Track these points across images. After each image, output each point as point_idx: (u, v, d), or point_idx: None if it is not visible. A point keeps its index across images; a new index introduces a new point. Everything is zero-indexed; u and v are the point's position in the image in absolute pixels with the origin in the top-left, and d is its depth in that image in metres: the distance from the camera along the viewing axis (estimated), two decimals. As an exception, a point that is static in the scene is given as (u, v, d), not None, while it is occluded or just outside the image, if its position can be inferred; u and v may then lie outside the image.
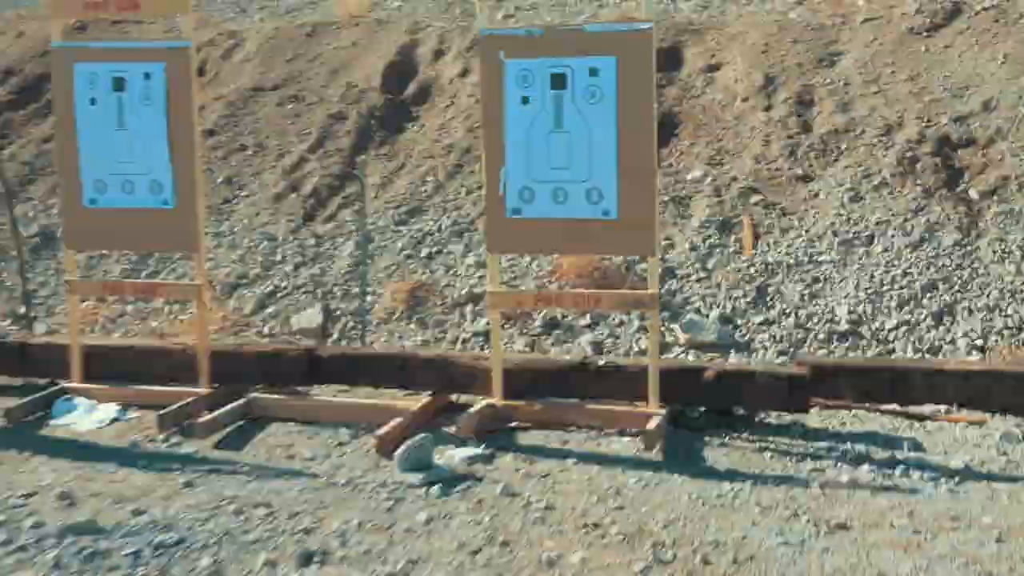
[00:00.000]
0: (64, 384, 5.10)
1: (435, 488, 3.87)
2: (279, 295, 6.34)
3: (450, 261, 6.39)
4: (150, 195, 4.95)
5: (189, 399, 4.81)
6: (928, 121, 6.58)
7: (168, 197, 4.93)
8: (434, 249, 6.50)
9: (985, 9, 7.34)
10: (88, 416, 4.90)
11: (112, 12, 4.92)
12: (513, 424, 4.58)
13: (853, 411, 4.73)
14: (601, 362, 4.60)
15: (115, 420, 4.87)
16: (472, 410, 4.49)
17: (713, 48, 7.76)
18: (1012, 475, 3.91)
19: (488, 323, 5.24)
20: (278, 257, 6.66)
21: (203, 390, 4.93)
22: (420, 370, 4.84)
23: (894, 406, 4.69)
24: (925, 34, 7.33)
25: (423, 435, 4.18)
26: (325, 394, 5.00)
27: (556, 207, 4.45)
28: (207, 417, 4.57)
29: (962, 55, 7.06)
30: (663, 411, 4.41)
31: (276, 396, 4.87)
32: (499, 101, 4.47)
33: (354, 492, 3.86)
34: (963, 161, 6.33)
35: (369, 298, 6.21)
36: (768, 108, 6.99)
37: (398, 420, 4.46)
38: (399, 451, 4.09)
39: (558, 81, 4.40)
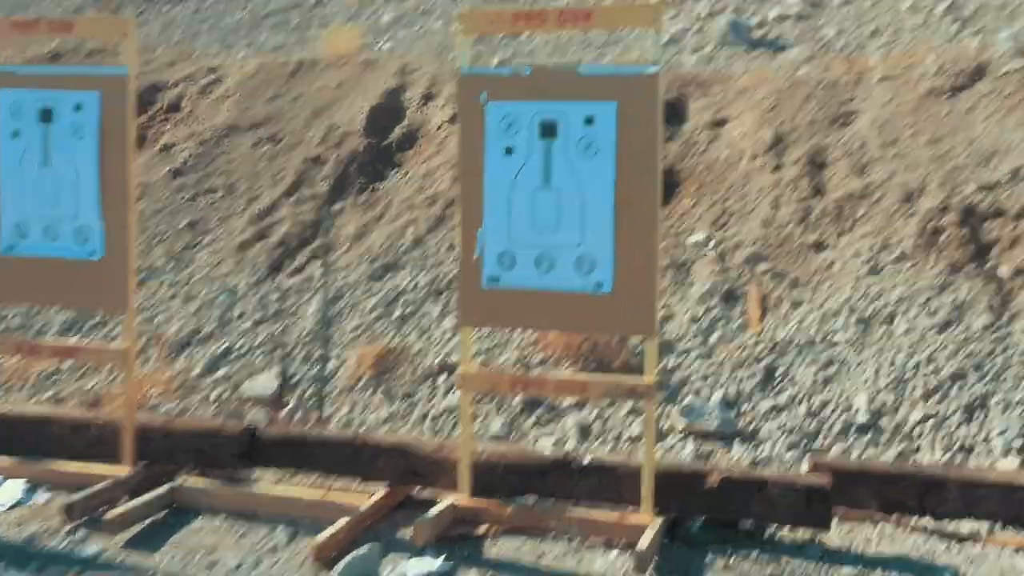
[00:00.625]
0: (-32, 457, 4.31)
1: (379, 619, 3.08)
2: (233, 356, 5.54)
3: (425, 324, 5.60)
4: (75, 244, 4.19)
5: (106, 483, 4.01)
6: (952, 189, 5.84)
7: (96, 247, 4.16)
8: (408, 310, 5.72)
9: (1010, 72, 6.66)
10: (-13, 496, 4.10)
11: (44, 34, 4.20)
12: (481, 530, 3.78)
13: (878, 525, 3.95)
14: (586, 460, 3.81)
15: (18, 503, 4.08)
16: (432, 513, 3.69)
17: (719, 102, 7.06)
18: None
19: (460, 401, 4.45)
20: (237, 312, 5.88)
21: (124, 471, 4.14)
22: (377, 458, 4.04)
23: (927, 521, 3.92)
24: (946, 96, 6.64)
25: (369, 546, 3.38)
26: (265, 480, 4.20)
27: (540, 276, 3.70)
28: (117, 511, 3.76)
29: (987, 119, 6.35)
30: (657, 522, 3.62)
31: (204, 485, 4.07)
32: (479, 151, 3.74)
33: (279, 621, 3.06)
34: (991, 234, 5.59)
35: (332, 363, 5.41)
36: (778, 168, 6.26)
37: (344, 521, 3.65)
38: (340, 565, 3.29)
39: (548, 130, 3.67)
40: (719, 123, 6.90)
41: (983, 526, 3.84)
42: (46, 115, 4.16)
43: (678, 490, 3.69)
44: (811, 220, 5.86)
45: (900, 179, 5.99)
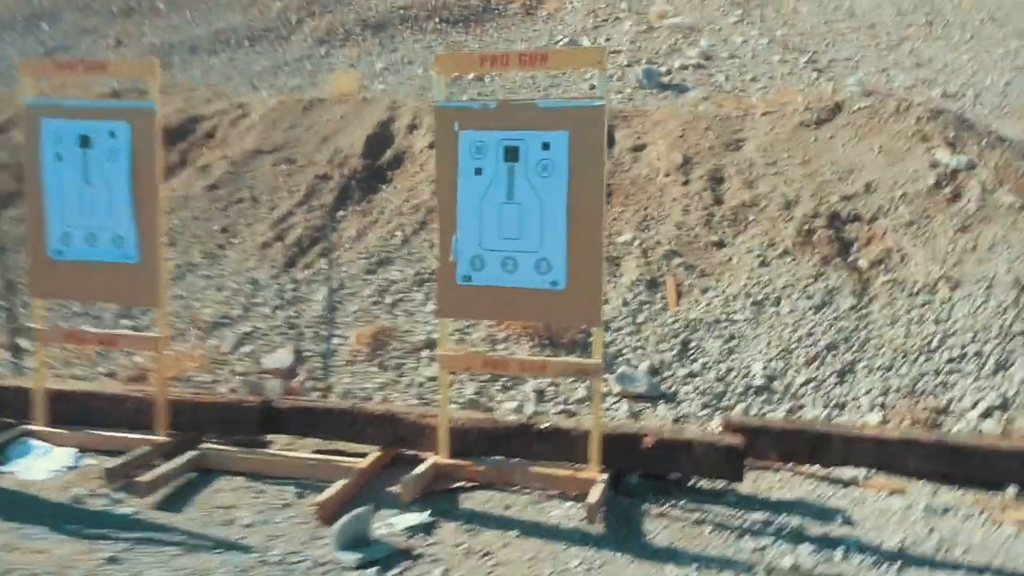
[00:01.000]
0: (26, 426, 3.72)
1: (371, 571, 2.60)
2: (256, 335, 4.98)
3: (411, 308, 5.09)
4: (113, 248, 3.60)
5: (142, 449, 3.47)
6: (821, 199, 5.46)
7: (130, 251, 3.59)
8: (398, 297, 5.20)
9: (860, 108, 6.29)
10: (42, 461, 3.52)
11: (81, 74, 3.58)
12: (457, 485, 3.31)
13: (778, 473, 3.56)
14: (544, 425, 3.36)
15: (71, 468, 3.51)
16: (416, 472, 3.21)
17: (639, 132, 6.59)
18: (947, 560, 2.75)
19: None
20: (259, 299, 5.30)
21: (160, 438, 3.59)
22: (370, 425, 3.55)
23: (817, 468, 3.54)
24: (813, 127, 6.24)
25: (361, 509, 2.89)
26: (278, 445, 3.69)
27: (506, 276, 3.21)
28: (148, 476, 3.22)
29: (844, 145, 5.97)
30: (603, 477, 3.18)
31: (227, 449, 3.54)
32: (453, 171, 3.23)
33: (284, 575, 2.56)
34: (851, 234, 5.22)
35: (336, 340, 4.88)
36: (686, 183, 5.83)
37: (342, 483, 3.16)
38: (336, 526, 2.79)
39: (511, 153, 3.17)
40: (639, 148, 6.44)
41: (861, 475, 3.48)
42: (85, 141, 3.56)
43: (620, 450, 3.25)
44: (713, 223, 5.45)
45: (781, 191, 5.60)
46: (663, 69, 8.27)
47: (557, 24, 10.12)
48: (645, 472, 3.33)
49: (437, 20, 10.42)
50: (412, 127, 7.10)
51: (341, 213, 6.14)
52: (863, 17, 9.63)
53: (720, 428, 3.63)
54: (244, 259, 5.72)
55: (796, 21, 9.70)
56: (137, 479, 3.19)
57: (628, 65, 8.49)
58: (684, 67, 8.36)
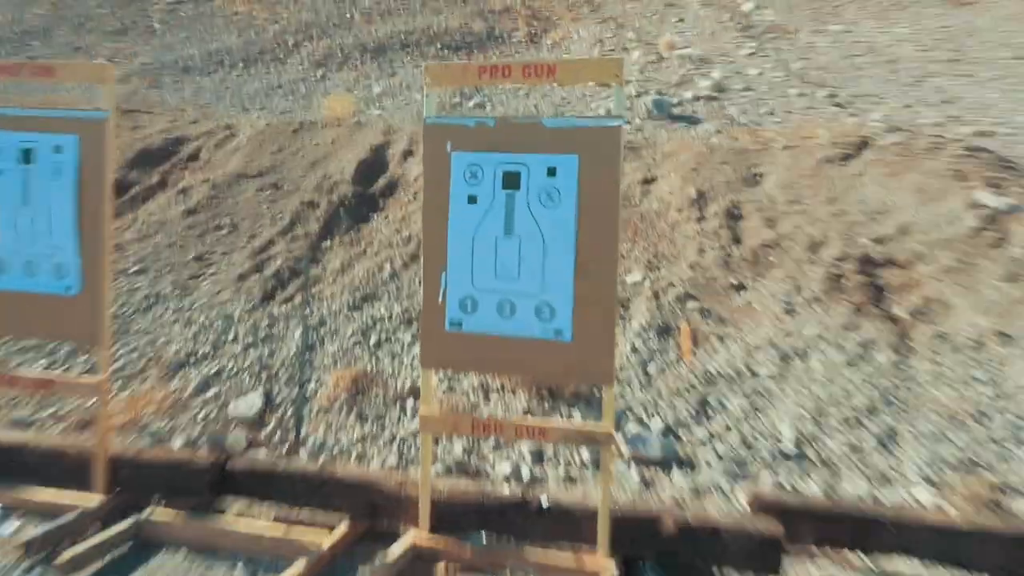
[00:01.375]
0: (-58, 483, 3.24)
1: None
2: (224, 376, 4.51)
3: (396, 349, 4.63)
4: (53, 279, 3.16)
5: (71, 515, 2.98)
6: (849, 240, 5.05)
7: (73, 282, 3.15)
8: (383, 336, 4.75)
9: (888, 146, 5.91)
10: (-44, 526, 3.04)
11: (26, 77, 3.18)
12: (439, 571, 2.82)
13: (818, 561, 3.06)
14: (545, 503, 2.88)
15: (-12, 534, 3.02)
16: (391, 556, 2.73)
17: (649, 163, 6.21)
18: None
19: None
20: (230, 336, 4.85)
21: (96, 500, 3.11)
22: (341, 492, 3.07)
23: (863, 557, 3.05)
24: (838, 162, 5.86)
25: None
26: (231, 513, 3.19)
27: (502, 322, 2.76)
28: (75, 551, 2.73)
29: (873, 183, 5.58)
30: (613, 565, 2.69)
31: (169, 518, 3.05)
32: (443, 198, 2.80)
33: None
34: (886, 280, 4.79)
35: (312, 384, 4.41)
36: (701, 219, 5.42)
37: (303, 562, 2.67)
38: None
39: (511, 180, 2.75)
40: (649, 181, 6.06)
41: (917, 565, 2.99)
42: (26, 156, 3.14)
43: (634, 533, 2.77)
44: (732, 264, 5.01)
45: (806, 231, 5.17)
46: (674, 100, 7.93)
47: (563, 52, 9.84)
48: (662, 560, 2.84)
49: (439, 46, 10.14)
50: (408, 153, 6.75)
51: (326, 243, 5.73)
52: (883, 52, 9.33)
53: (748, 504, 3.14)
54: (217, 291, 5.28)
55: (813, 55, 9.41)
56: (60, 555, 2.70)
57: (638, 96, 8.16)
58: (696, 98, 8.02)
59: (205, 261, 5.63)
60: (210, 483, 3.15)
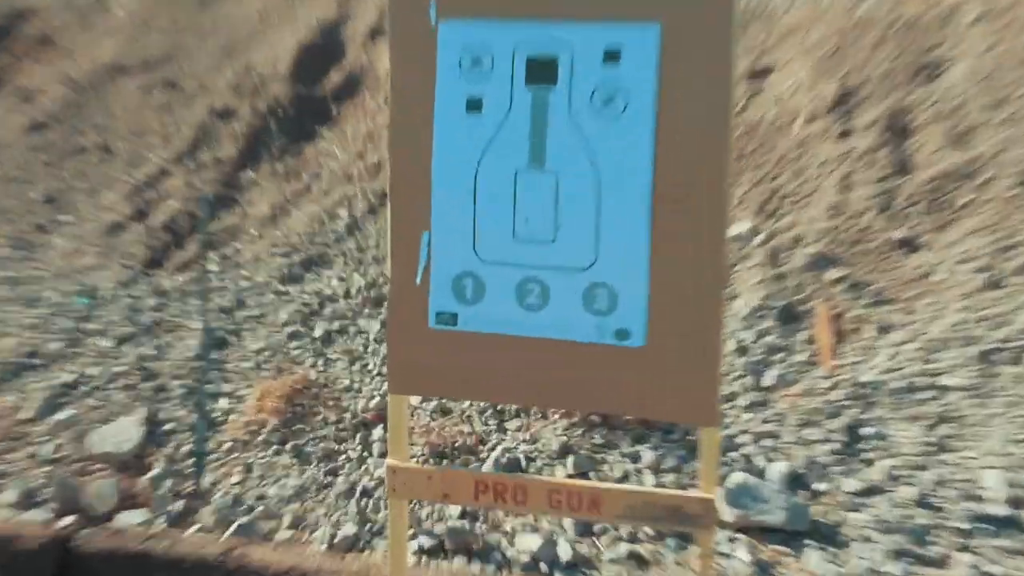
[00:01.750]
0: None
1: None
2: (84, 388, 4.25)
3: (357, 346, 4.34)
4: None
5: None
6: (1088, 165, 4.67)
7: None
8: (335, 326, 4.45)
9: None
10: None
11: None
12: None
13: None
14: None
15: None
16: None
17: (760, 46, 5.84)
18: None
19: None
20: (95, 324, 4.58)
21: None
22: (258, 593, 2.77)
23: None
24: (1068, 40, 5.45)
25: None
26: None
27: (524, 315, 2.41)
28: None
29: (1124, 73, 5.17)
30: None
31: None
32: (424, 105, 2.43)
33: None
34: None
35: (223, 401, 4.12)
36: (845, 135, 5.05)
37: None
38: None
39: (542, 71, 2.37)
40: (761, 73, 5.72)
41: None
42: None
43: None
44: (896, 208, 4.66)
45: (1016, 152, 4.79)
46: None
47: None
48: None
49: None
50: (376, 32, 6.52)
51: (248, 175, 5.46)
52: None
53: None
54: (77, 251, 5.05)
55: None
56: None
57: (738, -63, 7.72)
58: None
59: (59, 203, 5.41)
60: (50, 571, 2.86)
